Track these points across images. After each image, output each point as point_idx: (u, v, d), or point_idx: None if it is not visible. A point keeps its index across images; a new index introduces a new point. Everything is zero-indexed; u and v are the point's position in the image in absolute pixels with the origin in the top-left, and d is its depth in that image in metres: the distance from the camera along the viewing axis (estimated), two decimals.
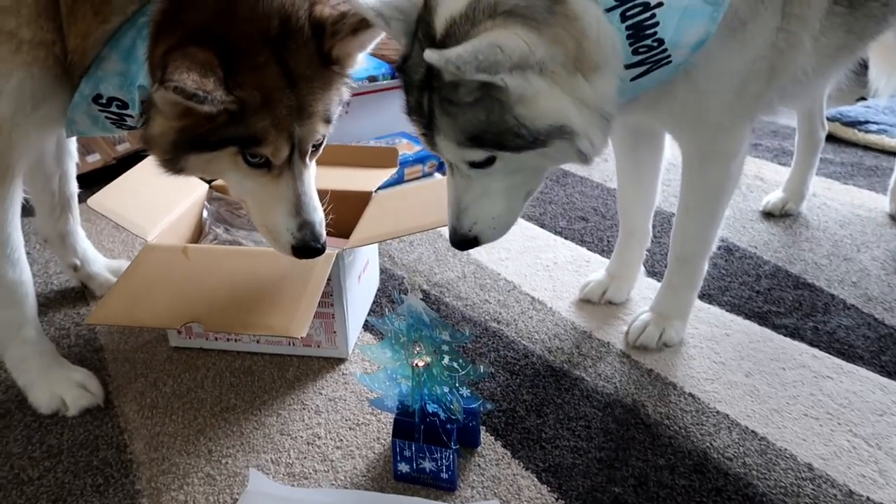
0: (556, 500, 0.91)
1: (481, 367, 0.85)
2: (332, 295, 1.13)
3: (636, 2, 0.83)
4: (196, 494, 0.92)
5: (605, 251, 1.50)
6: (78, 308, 1.32)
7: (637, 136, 1.22)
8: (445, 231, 1.62)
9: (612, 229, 1.58)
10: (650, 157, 1.24)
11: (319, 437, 1.01)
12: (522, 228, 1.61)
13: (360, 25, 0.90)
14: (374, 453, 0.98)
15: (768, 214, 1.63)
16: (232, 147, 0.90)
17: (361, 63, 0.98)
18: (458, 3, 0.82)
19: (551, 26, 0.80)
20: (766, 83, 1.02)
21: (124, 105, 0.93)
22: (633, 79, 0.88)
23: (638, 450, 0.98)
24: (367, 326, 1.26)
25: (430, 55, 0.76)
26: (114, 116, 0.95)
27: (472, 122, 0.83)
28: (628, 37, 0.85)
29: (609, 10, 0.83)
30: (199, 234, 1.29)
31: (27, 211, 1.30)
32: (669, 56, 0.87)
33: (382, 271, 1.42)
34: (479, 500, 0.90)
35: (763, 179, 1.82)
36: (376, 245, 1.36)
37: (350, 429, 1.03)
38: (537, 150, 0.85)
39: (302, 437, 1.02)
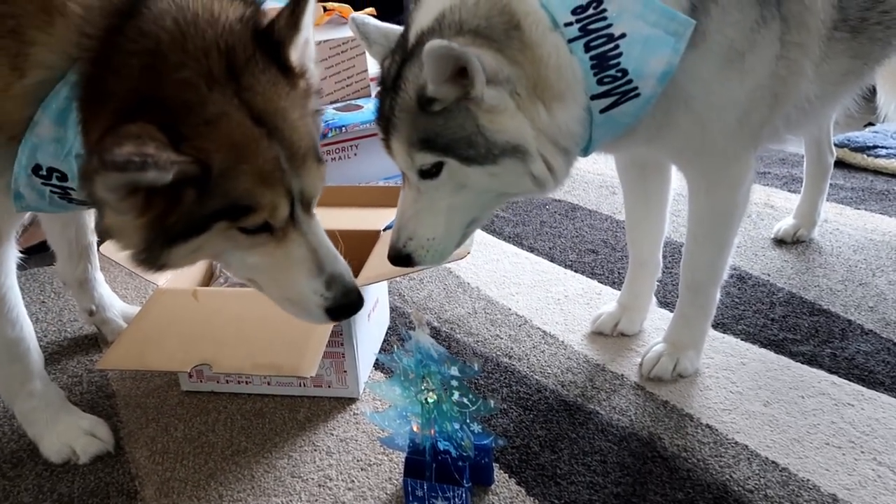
0: None
1: (492, 402, 0.84)
2: (342, 334, 1.12)
3: (600, 33, 0.85)
4: None
5: (616, 283, 1.49)
6: (91, 355, 1.33)
7: (643, 168, 1.23)
8: (455, 268, 1.63)
9: (623, 261, 1.58)
10: (658, 188, 1.24)
11: (331, 479, 1.00)
12: (532, 263, 1.60)
13: (297, 8, 0.78)
14: (386, 494, 0.97)
15: (780, 242, 1.62)
16: (220, 223, 0.76)
17: (315, 73, 0.85)
18: (427, 18, 0.87)
19: (511, 49, 0.83)
20: (770, 111, 1.02)
21: (64, 177, 0.80)
22: (602, 110, 0.89)
23: (656, 484, 0.96)
24: (377, 365, 1.25)
25: (433, 44, 0.78)
26: (58, 190, 0.82)
27: (428, 124, 0.85)
28: (592, 66, 0.86)
29: (572, 40, 0.85)
30: (209, 277, 1.30)
31: (46, 259, 1.32)
32: (636, 87, 0.87)
33: (392, 309, 1.42)
34: None
35: (773, 207, 1.81)
36: (385, 283, 1.36)
37: (362, 469, 1.01)
38: (487, 167, 0.86)
39: (313, 479, 1.00)
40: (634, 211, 1.27)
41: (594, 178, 2.06)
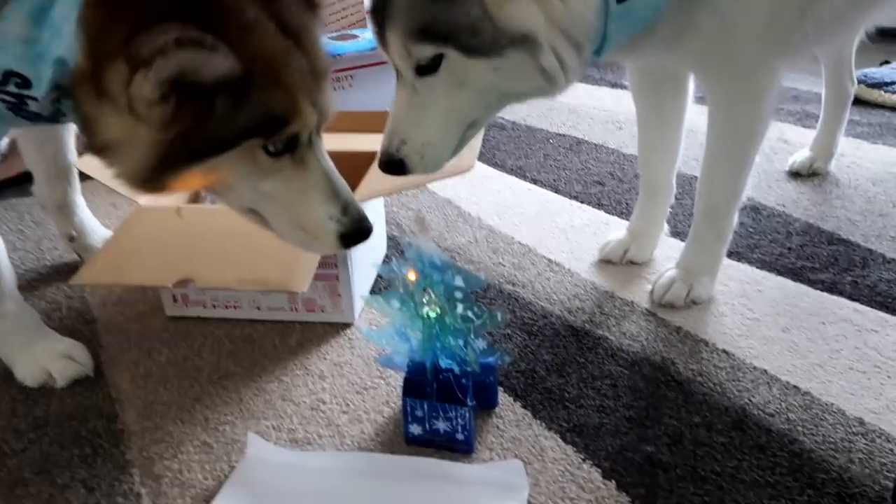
0: (583, 460, 0.83)
1: (499, 314, 0.77)
2: (336, 255, 1.05)
3: None
4: (191, 463, 0.85)
5: (624, 213, 1.42)
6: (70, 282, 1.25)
7: (659, 84, 1.14)
8: (455, 198, 1.55)
9: (631, 193, 1.51)
10: (674, 107, 1.16)
11: (324, 402, 0.94)
12: (536, 194, 1.53)
13: None
14: (383, 417, 0.91)
15: (795, 174, 1.55)
16: (251, 140, 0.70)
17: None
18: None
19: None
20: (801, 15, 0.93)
21: (26, 83, 0.70)
22: (619, 1, 0.81)
23: (670, 408, 0.90)
24: (373, 291, 1.18)
25: None
26: (11, 98, 0.72)
27: (428, 11, 0.78)
28: None
29: None
30: (195, 199, 1.22)
31: (26, 190, 1.25)
32: None
33: (389, 239, 1.35)
34: (498, 461, 0.82)
35: (787, 141, 1.73)
36: (382, 207, 1.29)
37: (357, 393, 0.95)
38: (492, 59, 0.79)
39: (305, 402, 0.94)
40: (648, 132, 1.19)
41: (599, 114, 1.97)
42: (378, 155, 0.88)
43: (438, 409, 0.82)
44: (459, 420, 0.82)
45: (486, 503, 0.76)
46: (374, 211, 1.22)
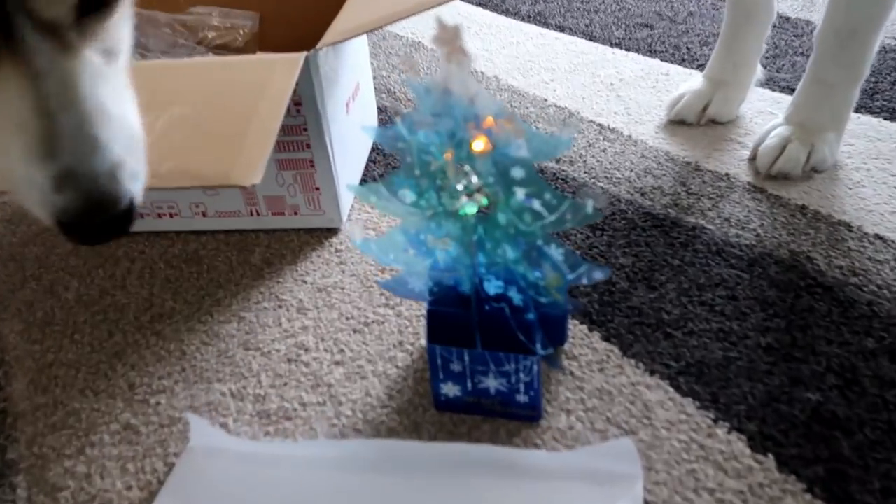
0: (714, 422, 0.53)
1: (589, 202, 0.45)
2: (308, 129, 0.72)
3: None
4: (105, 461, 0.55)
5: (688, 61, 1.07)
6: None
7: None
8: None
9: (690, 35, 1.15)
10: None
11: (306, 350, 0.63)
12: (565, 44, 1.17)
13: None
14: (396, 367, 0.61)
15: None
16: None
17: None
18: None
19: None
20: None
21: None
22: None
23: (825, 328, 0.60)
24: (366, 180, 0.86)
25: None
26: None
27: None
28: None
29: None
30: None
31: None
32: None
33: (382, 111, 1.00)
34: (584, 437, 0.53)
35: None
36: (369, 66, 0.93)
37: (354, 332, 0.65)
38: None
39: (279, 351, 0.63)
40: None
41: None
42: None
43: (489, 359, 0.51)
44: (522, 375, 0.51)
45: None
46: (358, 68, 0.87)
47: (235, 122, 0.60)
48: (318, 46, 0.68)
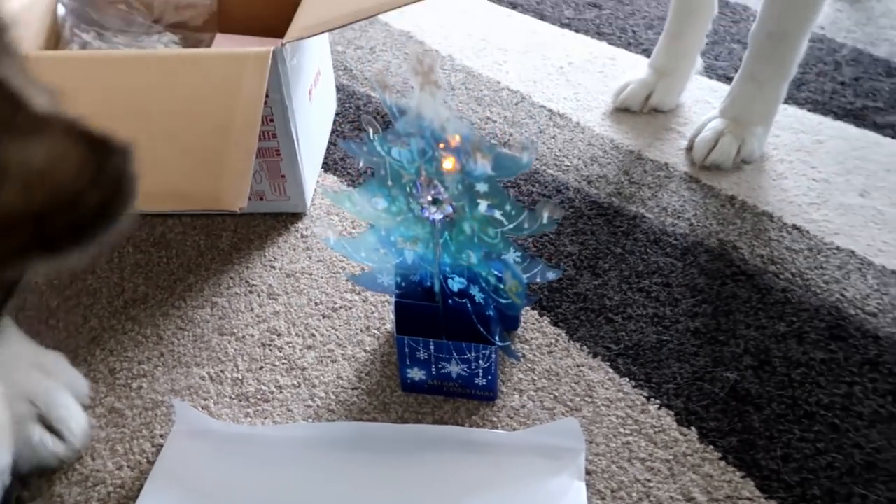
0: (647, 399, 0.61)
1: (545, 211, 0.51)
2: (274, 120, 0.75)
3: None
4: (94, 443, 0.59)
5: (633, 45, 1.13)
6: None
7: None
8: (416, 30, 1.22)
9: (636, 17, 1.20)
10: None
11: (279, 335, 0.68)
12: (518, 21, 1.21)
13: None
14: (364, 351, 0.66)
15: None
16: None
17: None
18: None
19: None
20: None
21: None
22: None
23: (745, 312, 0.68)
24: (328, 166, 0.89)
25: None
26: None
27: None
28: None
29: None
30: (54, 43, 0.86)
31: None
32: None
33: (339, 90, 1.03)
34: (547, 423, 0.59)
35: None
36: (328, 50, 0.96)
37: (323, 317, 0.69)
38: None
39: (253, 336, 0.68)
40: None
41: None
42: None
43: (452, 349, 0.57)
44: (481, 362, 0.57)
45: (530, 476, 0.54)
46: (318, 54, 0.89)
47: (213, 134, 0.63)
48: (283, 42, 0.70)
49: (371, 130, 0.52)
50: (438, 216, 0.53)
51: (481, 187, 0.50)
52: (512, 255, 0.53)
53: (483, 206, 0.51)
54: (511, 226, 0.52)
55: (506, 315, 0.63)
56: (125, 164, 0.28)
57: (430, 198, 0.52)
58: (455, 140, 0.49)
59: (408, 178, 0.52)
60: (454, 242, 0.54)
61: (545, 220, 0.51)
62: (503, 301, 0.54)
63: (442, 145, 0.49)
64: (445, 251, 0.55)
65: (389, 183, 0.53)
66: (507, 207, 0.51)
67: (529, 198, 0.83)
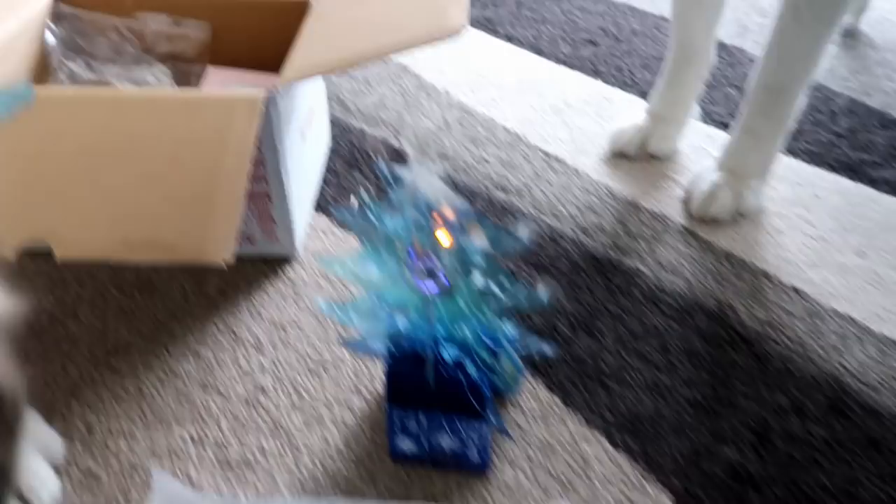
0: (644, 476, 0.59)
1: (541, 289, 0.49)
2: (265, 164, 0.72)
3: None
4: None
5: (628, 85, 1.12)
6: None
7: None
8: (412, 64, 1.21)
9: (632, 56, 1.20)
10: None
11: (265, 392, 0.65)
12: (514, 56, 1.20)
13: None
14: (352, 413, 0.64)
15: None
16: None
17: None
18: None
19: None
20: None
21: None
22: None
23: (744, 381, 0.67)
24: (320, 206, 0.87)
25: None
26: None
27: None
28: None
29: None
30: (41, 72, 0.84)
31: None
32: None
33: (333, 123, 1.01)
34: (529, 493, 0.57)
35: None
36: (323, 88, 0.94)
37: (311, 373, 0.67)
38: None
39: (237, 392, 0.65)
40: None
41: None
42: None
43: (443, 421, 0.55)
44: (473, 436, 0.56)
45: None
46: (311, 92, 0.87)
47: (201, 182, 0.61)
48: (277, 85, 0.68)
49: (366, 196, 0.50)
50: (433, 287, 0.51)
51: (476, 260, 0.49)
52: (507, 331, 0.51)
53: (479, 278, 0.50)
54: (507, 300, 0.50)
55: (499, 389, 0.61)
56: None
57: (423, 268, 0.50)
58: (450, 213, 0.47)
59: (402, 246, 0.50)
60: (448, 313, 0.52)
61: (542, 299, 0.49)
62: (499, 383, 0.52)
63: (437, 214, 0.47)
64: (439, 320, 0.53)
65: (383, 249, 0.51)
66: (504, 281, 0.49)
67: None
